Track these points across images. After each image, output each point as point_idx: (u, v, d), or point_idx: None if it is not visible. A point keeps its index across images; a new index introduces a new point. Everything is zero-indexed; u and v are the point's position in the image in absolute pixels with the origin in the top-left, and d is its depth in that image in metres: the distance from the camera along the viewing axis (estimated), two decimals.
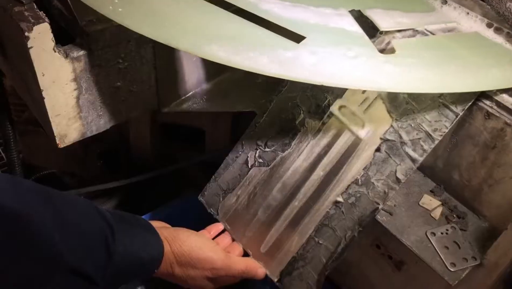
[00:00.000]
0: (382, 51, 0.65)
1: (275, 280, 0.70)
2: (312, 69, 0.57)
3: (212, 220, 0.79)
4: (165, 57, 0.77)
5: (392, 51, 0.63)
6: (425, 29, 0.69)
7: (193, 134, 1.18)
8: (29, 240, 0.47)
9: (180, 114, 1.05)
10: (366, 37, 0.64)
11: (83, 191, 1.15)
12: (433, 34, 0.69)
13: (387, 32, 0.67)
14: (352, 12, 0.69)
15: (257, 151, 0.75)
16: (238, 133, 0.84)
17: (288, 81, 0.73)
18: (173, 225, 1.01)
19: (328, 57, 0.59)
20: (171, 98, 0.83)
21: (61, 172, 1.23)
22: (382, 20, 0.69)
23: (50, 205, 0.51)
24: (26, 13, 0.63)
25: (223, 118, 1.06)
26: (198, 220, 0.95)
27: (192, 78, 0.83)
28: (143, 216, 1.01)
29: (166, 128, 1.17)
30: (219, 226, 0.73)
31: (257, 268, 0.68)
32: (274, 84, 0.77)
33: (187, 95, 0.84)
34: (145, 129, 1.07)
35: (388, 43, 0.66)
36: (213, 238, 0.72)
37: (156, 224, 0.65)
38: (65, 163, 1.21)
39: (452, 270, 0.62)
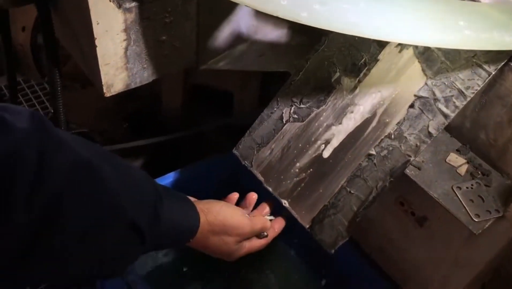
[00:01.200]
0: None
1: (307, 226, 0.74)
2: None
3: (238, 178, 0.83)
4: (208, 15, 0.81)
5: None
6: None
7: (220, 99, 1.22)
8: (98, 188, 0.51)
9: (211, 76, 1.09)
10: None
11: (114, 148, 1.20)
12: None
13: None
14: None
15: (292, 107, 0.79)
16: (265, 98, 0.87)
17: (325, 39, 0.77)
18: (196, 184, 1.06)
19: None
20: (209, 55, 0.87)
21: (91, 130, 1.27)
22: None
23: (113, 163, 0.56)
24: None
25: (253, 81, 1.10)
26: (221, 180, 0.99)
27: (231, 37, 0.86)
28: (168, 174, 1.06)
29: (195, 92, 1.21)
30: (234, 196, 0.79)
31: (267, 223, 0.78)
32: (308, 46, 0.81)
33: (225, 53, 0.88)
34: (178, 89, 1.10)
35: None
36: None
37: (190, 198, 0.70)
38: (95, 120, 1.26)
39: (476, 220, 0.66)
